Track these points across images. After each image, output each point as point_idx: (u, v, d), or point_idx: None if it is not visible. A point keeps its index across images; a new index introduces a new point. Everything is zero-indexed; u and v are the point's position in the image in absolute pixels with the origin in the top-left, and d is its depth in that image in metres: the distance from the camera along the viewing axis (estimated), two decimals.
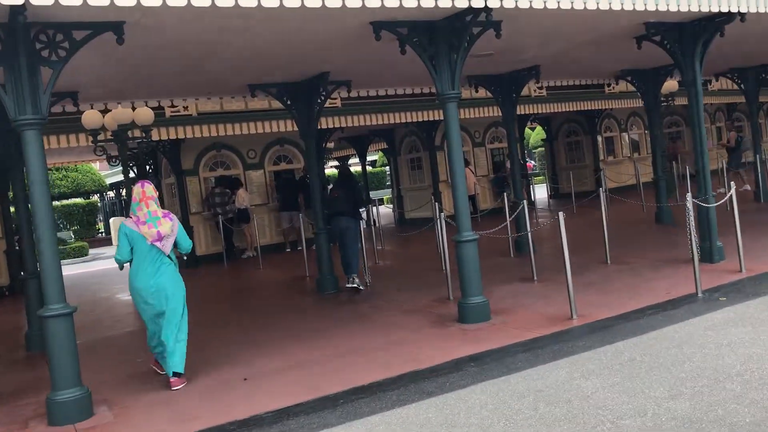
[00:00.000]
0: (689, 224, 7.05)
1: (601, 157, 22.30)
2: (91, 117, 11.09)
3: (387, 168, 40.70)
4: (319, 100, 9.61)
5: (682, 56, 8.59)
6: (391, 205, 29.72)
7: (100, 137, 11.69)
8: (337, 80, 9.58)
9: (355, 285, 9.36)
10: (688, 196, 7.11)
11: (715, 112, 26.89)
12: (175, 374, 5.81)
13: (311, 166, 9.77)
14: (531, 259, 9.03)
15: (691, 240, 7.08)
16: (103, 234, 32.81)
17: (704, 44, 8.53)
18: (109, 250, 26.65)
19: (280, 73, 8.87)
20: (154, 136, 13.99)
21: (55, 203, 29.77)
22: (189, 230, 15.28)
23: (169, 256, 5.89)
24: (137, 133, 11.87)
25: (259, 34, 6.56)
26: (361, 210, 9.80)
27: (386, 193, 36.99)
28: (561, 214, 6.82)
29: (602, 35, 8.84)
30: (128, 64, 7.21)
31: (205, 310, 9.52)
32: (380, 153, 32.27)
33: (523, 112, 18.75)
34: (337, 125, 16.12)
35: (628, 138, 23.46)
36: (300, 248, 15.37)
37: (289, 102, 9.64)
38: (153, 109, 14.40)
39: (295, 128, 15.57)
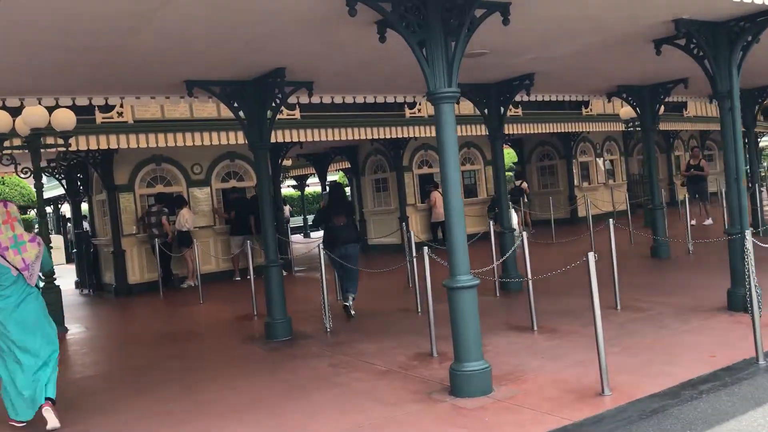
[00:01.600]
0: (749, 265, 5.50)
1: (576, 183, 21.00)
2: None
3: (347, 189, 39.03)
4: (273, 104, 7.86)
5: (715, 62, 7.13)
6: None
7: (8, 143, 9.71)
8: (296, 81, 7.87)
9: (349, 304, 8.75)
10: (748, 232, 5.55)
11: (688, 139, 26.02)
12: (48, 399, 5.26)
13: (261, 182, 7.98)
14: (529, 301, 7.37)
15: (750, 286, 5.52)
16: None
17: (743, 49, 7.10)
18: None
19: (223, 67, 7.10)
20: (82, 145, 12.06)
21: None
22: (121, 254, 13.25)
23: (36, 285, 5.32)
24: (56, 140, 9.92)
25: (186, 9, 4.86)
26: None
27: None
28: (591, 256, 5.17)
29: (615, 35, 7.35)
30: (27, 46, 5.43)
31: (120, 359, 7.60)
32: (340, 173, 30.51)
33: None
34: (295, 139, 14.38)
35: (602, 163, 22.28)
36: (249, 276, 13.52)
37: (236, 104, 7.86)
38: (81, 113, 12.50)
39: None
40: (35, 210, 27.49)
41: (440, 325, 6.54)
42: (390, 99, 11.20)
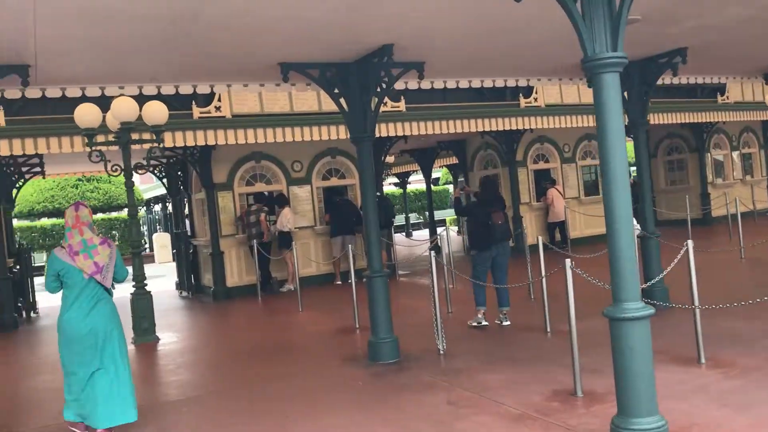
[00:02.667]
0: None
1: (710, 179, 18.80)
2: (85, 113, 8.57)
3: (450, 186, 37.72)
4: (378, 89, 6.79)
5: None
6: (456, 228, 26.74)
7: (100, 138, 9.16)
8: (405, 61, 6.76)
9: (501, 321, 8.03)
10: None
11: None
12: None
13: (365, 178, 6.91)
14: (695, 324, 5.90)
15: None
16: (148, 250, 30.90)
17: None
18: (151, 269, 24.50)
19: (321, 47, 6.10)
20: (179, 142, 11.48)
21: (98, 216, 27.94)
22: (220, 256, 12.65)
23: (107, 290, 5.10)
24: (150, 135, 9.31)
25: None
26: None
27: (449, 214, 34.00)
28: None
29: None
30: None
31: (209, 378, 6.74)
32: (444, 170, 29.27)
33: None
34: (399, 133, 13.30)
35: (739, 157, 19.93)
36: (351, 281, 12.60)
37: (336, 90, 6.84)
38: (178, 108, 11.96)
39: (348, 136, 12.92)
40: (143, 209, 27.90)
41: (582, 353, 5.26)
42: (501, 85, 9.93)
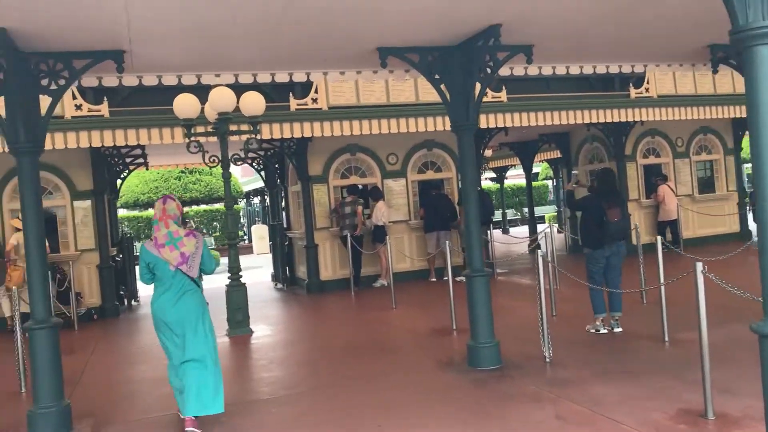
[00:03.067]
0: None
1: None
2: (184, 103, 8.56)
3: (550, 182, 36.50)
4: (482, 75, 6.31)
5: None
6: (556, 225, 25.72)
7: (199, 129, 9.14)
8: (511, 44, 6.26)
9: (612, 328, 7.44)
10: None
11: None
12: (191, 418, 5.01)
13: (466, 170, 6.46)
14: None
15: None
16: (246, 241, 31.62)
17: None
18: (248, 260, 24.93)
19: (422, 29, 5.70)
20: (276, 134, 11.41)
21: (196, 208, 28.77)
22: (314, 248, 12.51)
23: (194, 281, 5.14)
24: (247, 126, 9.23)
25: None
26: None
27: (548, 211, 32.89)
28: None
29: None
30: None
31: (299, 376, 6.49)
32: (544, 164, 28.25)
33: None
34: (500, 124, 12.73)
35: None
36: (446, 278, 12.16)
37: (437, 76, 6.42)
38: (275, 99, 11.88)
39: (447, 127, 12.46)
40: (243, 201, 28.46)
41: (723, 368, 4.62)
42: (615, 71, 9.21)
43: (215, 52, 5.96)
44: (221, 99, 8.41)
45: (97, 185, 11.48)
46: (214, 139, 9.26)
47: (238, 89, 8.97)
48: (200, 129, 9.80)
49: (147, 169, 14.78)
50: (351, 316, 9.83)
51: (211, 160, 8.93)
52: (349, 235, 11.89)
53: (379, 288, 12.18)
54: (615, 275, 7.48)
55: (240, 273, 8.92)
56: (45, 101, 5.36)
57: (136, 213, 28.01)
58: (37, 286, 5.25)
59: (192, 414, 4.99)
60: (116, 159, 11.62)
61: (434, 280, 12.61)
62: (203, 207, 27.94)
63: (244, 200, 34.39)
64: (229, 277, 8.90)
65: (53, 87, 5.34)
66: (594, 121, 13.58)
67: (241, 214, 30.41)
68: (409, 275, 12.82)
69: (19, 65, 5.11)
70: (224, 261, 9.65)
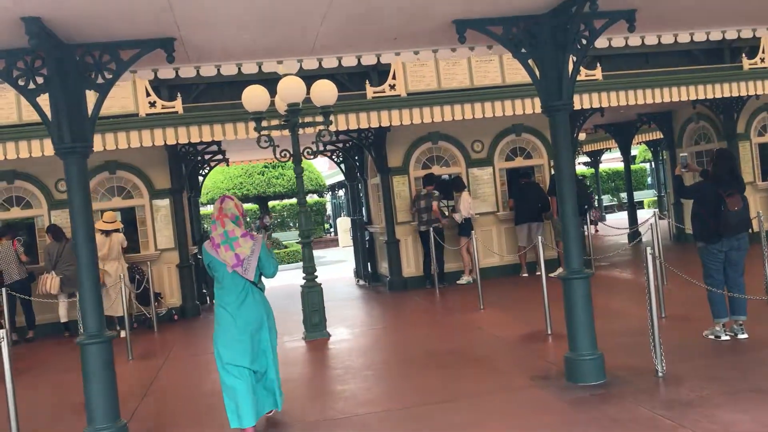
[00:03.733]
0: None
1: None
2: (253, 95, 8.11)
3: (648, 164, 34.46)
4: (576, 46, 5.46)
5: None
6: (656, 211, 24.02)
7: (273, 122, 8.69)
8: (611, 9, 5.39)
9: (736, 333, 6.41)
10: None
11: None
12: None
13: (561, 155, 5.62)
14: None
15: None
16: (332, 234, 31.50)
17: None
18: (334, 253, 24.69)
19: None
20: (353, 124, 10.87)
21: (281, 202, 28.83)
22: (395, 244, 11.90)
23: (254, 283, 5.03)
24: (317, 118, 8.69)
25: None
26: None
27: (647, 196, 31.02)
28: None
29: None
30: None
31: (371, 390, 5.86)
32: (641, 147, 26.52)
33: None
34: (596, 105, 11.69)
35: None
36: (539, 274, 11.27)
37: (524, 50, 5.60)
38: (350, 88, 11.32)
39: (537, 109, 11.53)
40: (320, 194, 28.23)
41: None
42: (732, 36, 8.08)
43: (272, 35, 5.39)
44: (290, 89, 7.90)
45: (175, 183, 11.28)
46: (287, 132, 8.79)
47: (310, 79, 8.46)
48: (274, 122, 9.38)
49: (227, 165, 14.58)
50: (434, 318, 9.14)
51: (282, 154, 8.44)
52: (431, 229, 11.19)
53: (465, 285, 11.43)
54: (737, 273, 6.45)
55: (315, 273, 8.40)
56: (92, 98, 4.95)
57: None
58: (88, 296, 4.87)
59: (252, 423, 4.89)
60: (193, 156, 11.38)
61: (526, 275, 11.76)
62: (287, 201, 27.91)
63: (330, 193, 34.28)
64: (304, 278, 8.40)
65: (100, 81, 4.93)
66: (701, 97, 12.30)
67: (326, 206, 30.29)
68: (498, 271, 12.00)
69: (61, 58, 4.72)
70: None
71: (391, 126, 11.31)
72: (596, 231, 19.56)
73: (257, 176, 20.15)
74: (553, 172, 11.92)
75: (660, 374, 5.43)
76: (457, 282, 11.71)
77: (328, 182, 28.67)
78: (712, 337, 6.47)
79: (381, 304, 10.92)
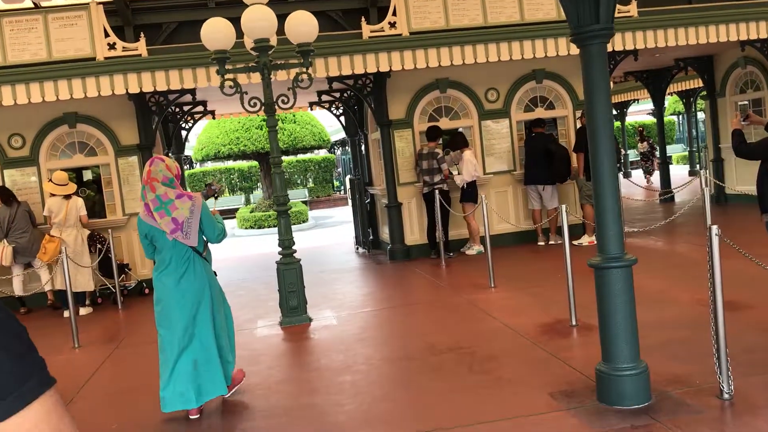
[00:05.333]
0: None
1: None
2: (214, 30, 6.66)
3: (676, 117, 32.46)
4: None
5: None
6: (701, 171, 22.29)
7: (238, 65, 7.21)
8: None
9: None
10: None
11: None
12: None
13: (596, 102, 4.10)
14: None
15: None
16: (342, 192, 30.17)
17: None
18: (343, 213, 23.25)
19: None
20: (346, 69, 9.42)
21: (286, 158, 27.49)
22: (397, 207, 10.48)
23: (199, 252, 4.52)
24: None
25: None
26: None
27: (676, 151, 29.21)
28: None
29: None
30: None
31: (366, 393, 4.51)
32: (673, 98, 24.60)
33: None
34: (630, 47, 10.08)
35: None
36: (556, 243, 9.88)
37: None
38: (343, 27, 9.79)
39: (561, 51, 9.92)
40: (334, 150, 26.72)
41: None
42: None
43: None
44: (256, 21, 6.42)
45: (143, 139, 9.87)
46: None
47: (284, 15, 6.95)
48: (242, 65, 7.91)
49: (213, 117, 13.15)
50: (436, 299, 7.74)
51: (252, 104, 6.98)
52: (435, 191, 9.75)
53: (476, 255, 10.02)
54: None
55: (293, 248, 7.03)
56: None
57: (227, 165, 26.93)
58: None
59: (196, 405, 4.52)
60: (165, 107, 9.96)
61: (542, 244, 10.32)
62: (292, 158, 26.45)
63: (340, 149, 32.79)
64: (280, 253, 7.04)
65: None
66: (752, 37, 10.63)
67: (335, 163, 28.83)
68: (513, 238, 10.58)
69: None
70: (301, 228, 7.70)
71: (392, 71, 9.82)
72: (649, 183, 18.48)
73: (255, 131, 18.66)
74: (579, 125, 10.35)
75: (726, 395, 4.02)
76: (466, 252, 10.31)
77: (338, 137, 27.15)
78: None
79: (378, 277, 9.55)
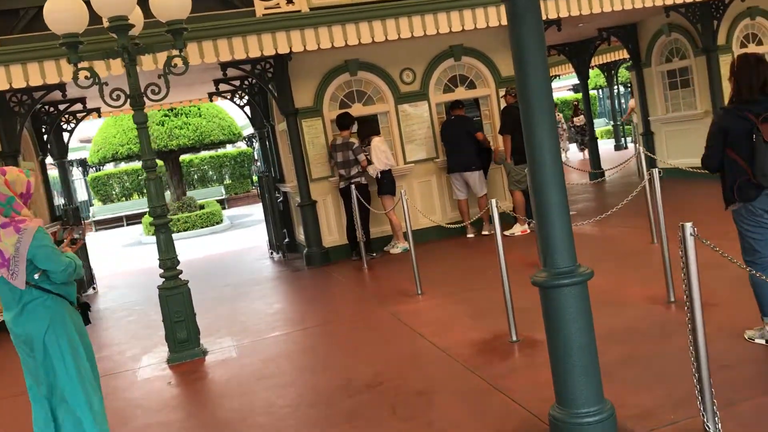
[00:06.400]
0: None
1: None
2: (58, 10, 5.38)
3: (596, 92, 32.45)
4: None
5: None
6: (639, 147, 22.03)
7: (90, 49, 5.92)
8: None
9: None
10: None
11: None
12: None
13: (528, 62, 3.10)
14: None
15: None
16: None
17: None
18: (259, 211, 21.78)
19: None
20: (238, 52, 8.26)
21: (196, 155, 25.94)
22: (311, 206, 9.36)
23: (39, 286, 3.56)
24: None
25: None
26: None
27: (599, 125, 29.14)
28: None
29: None
30: None
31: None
32: (594, 71, 24.28)
33: None
34: (551, 15, 9.27)
35: None
36: (488, 233, 9.03)
37: None
38: (233, 5, 8.59)
39: (480, 24, 9.02)
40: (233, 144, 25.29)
41: None
42: None
43: None
44: None
45: (6, 145, 8.40)
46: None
47: None
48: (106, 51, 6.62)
49: (100, 116, 11.67)
50: (357, 313, 6.68)
51: (115, 96, 5.72)
52: (352, 186, 8.72)
53: (401, 254, 9.03)
54: None
55: (177, 268, 5.84)
56: None
57: (123, 167, 25.07)
58: None
59: None
60: (28, 106, 8.51)
61: (472, 236, 9.43)
62: (206, 153, 24.90)
63: (258, 142, 31.29)
64: (162, 275, 5.84)
65: None
66: (678, 1, 9.98)
67: (255, 156, 27.33)
68: (440, 232, 9.63)
69: None
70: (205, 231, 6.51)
71: (293, 53, 8.70)
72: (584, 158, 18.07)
73: (156, 127, 17.08)
74: (504, 104, 9.47)
75: None
76: (390, 251, 9.31)
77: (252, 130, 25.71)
78: (763, 341, 4.24)
79: (292, 289, 8.43)
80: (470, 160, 9.17)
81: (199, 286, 9.05)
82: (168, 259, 5.79)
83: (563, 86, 34.86)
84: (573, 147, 23.24)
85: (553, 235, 3.16)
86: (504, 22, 9.02)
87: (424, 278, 6.92)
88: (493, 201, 5.06)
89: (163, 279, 5.83)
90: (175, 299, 5.77)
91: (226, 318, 7.07)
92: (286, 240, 10.71)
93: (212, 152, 25.49)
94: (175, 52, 5.74)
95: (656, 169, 5.33)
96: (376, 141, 9.00)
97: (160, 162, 23.08)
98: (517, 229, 8.95)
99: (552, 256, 3.16)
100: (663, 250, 5.31)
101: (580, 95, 33.22)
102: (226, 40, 8.05)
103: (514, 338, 4.95)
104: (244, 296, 8.12)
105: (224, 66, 8.93)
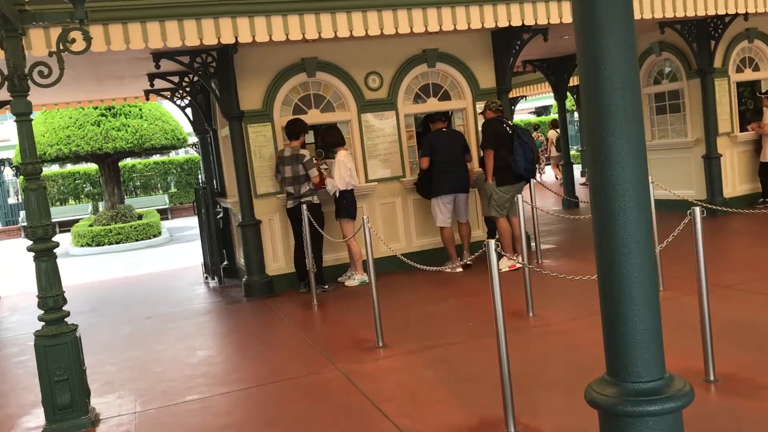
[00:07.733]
0: None
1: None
2: None
3: (568, 115, 31.74)
4: None
5: None
6: (580, 167, 21.15)
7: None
8: None
9: None
10: None
11: None
12: None
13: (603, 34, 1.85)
14: None
15: None
16: None
17: None
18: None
19: None
20: (173, 41, 6.90)
21: (141, 160, 24.26)
22: (254, 226, 7.95)
23: None
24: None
25: None
26: None
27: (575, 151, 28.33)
28: None
29: None
30: None
31: None
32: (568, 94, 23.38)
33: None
34: (541, 21, 8.14)
35: None
36: (466, 264, 7.76)
37: None
38: None
39: (460, 25, 7.81)
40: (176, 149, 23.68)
41: None
42: None
43: None
44: None
45: None
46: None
47: None
48: None
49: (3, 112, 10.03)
50: (299, 373, 5.20)
51: None
52: (302, 206, 7.36)
53: (358, 287, 7.67)
54: None
55: (62, 309, 4.38)
56: None
57: (58, 170, 23.15)
58: None
59: None
60: None
61: (460, 270, 8.02)
62: (151, 159, 23.18)
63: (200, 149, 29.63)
64: (41, 318, 4.37)
65: None
66: (669, 16, 8.97)
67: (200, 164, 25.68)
68: (405, 263, 8.31)
69: None
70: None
71: (239, 44, 7.33)
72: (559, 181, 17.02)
73: (91, 127, 15.39)
74: (483, 119, 8.23)
75: None
76: (345, 283, 7.95)
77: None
78: None
79: (224, 330, 6.97)
80: (467, 179, 7.99)
81: (114, 319, 7.56)
82: (50, 297, 4.32)
83: (527, 108, 34.21)
84: (548, 169, 22.84)
85: (633, 325, 1.87)
86: (487, 25, 7.84)
87: (387, 325, 5.59)
88: (491, 242, 3.76)
89: (43, 323, 4.36)
90: (58, 352, 4.30)
91: (137, 366, 5.61)
92: (225, 263, 9.26)
93: (157, 158, 23.74)
94: (69, 23, 4.32)
95: (698, 207, 4.11)
96: (341, 155, 7.66)
97: (93, 166, 21.24)
98: (505, 265, 7.53)
99: (632, 359, 1.87)
100: (703, 310, 4.10)
101: (543, 118, 32.59)
102: (158, 23, 6.63)
103: (512, 427, 3.66)
104: (165, 335, 6.64)
105: (157, 56, 7.50)
